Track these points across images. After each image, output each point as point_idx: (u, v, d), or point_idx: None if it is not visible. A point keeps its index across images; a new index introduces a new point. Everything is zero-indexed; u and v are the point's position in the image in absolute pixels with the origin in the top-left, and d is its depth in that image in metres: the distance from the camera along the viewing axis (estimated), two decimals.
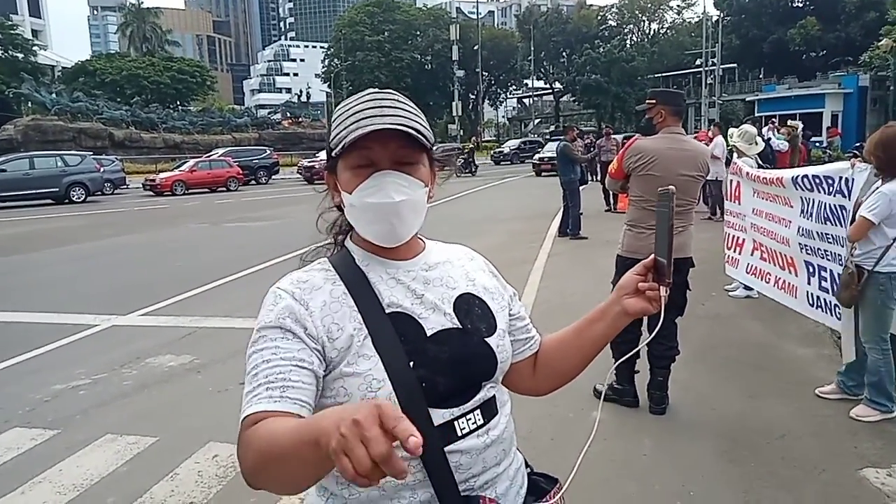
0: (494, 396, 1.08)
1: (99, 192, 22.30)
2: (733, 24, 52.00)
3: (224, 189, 25.08)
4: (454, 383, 1.01)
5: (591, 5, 68.21)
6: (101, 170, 22.56)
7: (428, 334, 1.02)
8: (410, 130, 0.98)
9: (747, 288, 6.01)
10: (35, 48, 44.93)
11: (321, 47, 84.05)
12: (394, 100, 1.02)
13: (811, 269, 4.10)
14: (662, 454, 3.30)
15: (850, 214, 3.59)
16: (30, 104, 35.58)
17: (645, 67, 56.39)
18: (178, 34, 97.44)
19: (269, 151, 31.30)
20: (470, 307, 1.09)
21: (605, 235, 10.22)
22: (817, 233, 3.95)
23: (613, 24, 64.68)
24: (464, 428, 1.01)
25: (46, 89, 37.48)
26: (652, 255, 1.07)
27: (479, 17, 61.84)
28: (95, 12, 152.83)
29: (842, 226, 3.68)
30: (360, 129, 0.96)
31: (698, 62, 48.26)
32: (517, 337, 1.17)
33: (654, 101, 3.71)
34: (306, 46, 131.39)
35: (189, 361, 5.00)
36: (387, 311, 1.01)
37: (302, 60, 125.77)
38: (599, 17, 64.46)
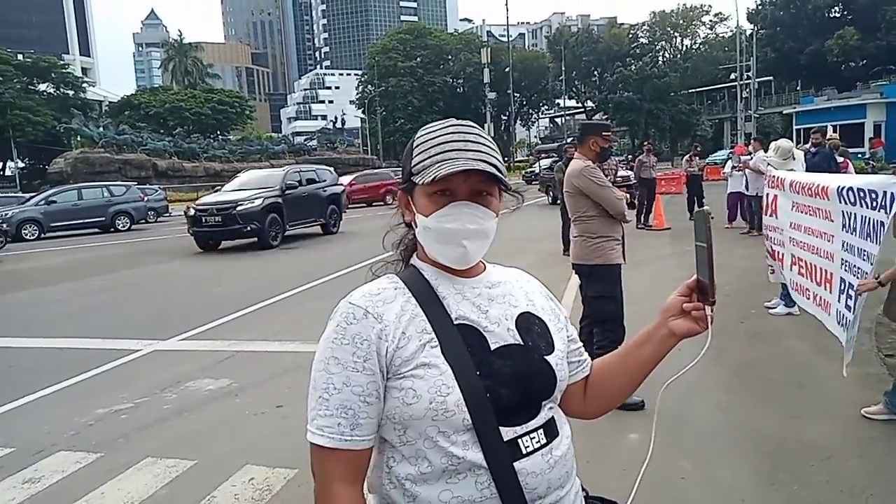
0: (554, 417, 1.11)
1: (143, 221, 23.02)
2: (768, 36, 51.34)
3: None
4: (516, 398, 1.04)
5: (623, 24, 68.27)
6: (145, 199, 23.33)
7: (492, 348, 1.06)
8: (492, 169, 1.04)
9: (788, 305, 5.87)
10: (84, 85, 46.94)
11: (355, 74, 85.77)
12: (476, 135, 1.08)
13: (843, 286, 3.98)
14: (701, 477, 3.22)
15: (883, 229, 3.48)
16: (79, 138, 37.14)
17: (678, 83, 55.99)
18: (218, 67, 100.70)
19: None
20: (530, 325, 1.12)
21: (637, 255, 10.10)
22: (857, 248, 3.84)
23: (645, 41, 64.56)
24: (528, 446, 1.04)
25: (94, 123, 39.08)
26: (695, 276, 1.09)
27: (510, 39, 62.31)
28: (140, 49, 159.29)
29: (876, 243, 3.57)
30: (446, 165, 1.03)
31: (733, 76, 47.65)
32: (570, 359, 1.19)
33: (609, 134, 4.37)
34: (341, 74, 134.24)
35: (227, 385, 5.09)
36: (455, 323, 1.06)
37: (337, 88, 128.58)
38: (631, 35, 64.45)
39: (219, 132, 53.40)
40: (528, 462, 1.02)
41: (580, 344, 1.23)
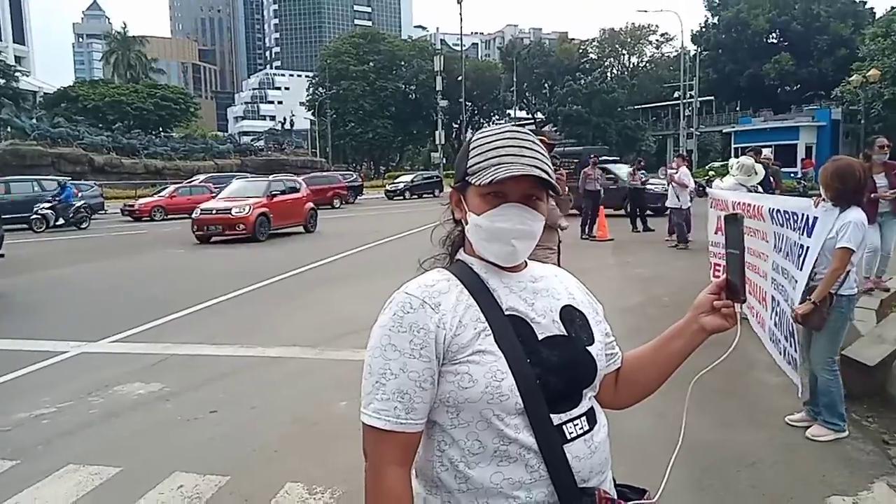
0: (594, 407, 1.18)
1: None
2: (710, 58, 53.41)
3: None
4: (563, 386, 1.11)
5: (573, 39, 69.77)
6: (80, 195, 22.34)
7: (540, 338, 1.12)
8: (545, 176, 1.11)
9: None
10: (17, 74, 44.69)
11: (306, 76, 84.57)
12: (531, 142, 1.14)
13: (774, 304, 4.17)
14: (634, 483, 3.28)
15: (808, 254, 3.64)
16: (9, 129, 35.30)
17: (625, 99, 57.50)
18: (164, 62, 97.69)
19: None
20: (573, 318, 1.19)
21: (581, 264, 10.29)
22: (782, 269, 4.02)
23: (594, 57, 66.15)
24: (572, 432, 1.10)
25: (27, 114, 37.28)
26: (725, 276, 1.17)
27: (463, 48, 62.78)
28: (81, 39, 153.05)
29: (795, 264, 3.74)
30: (503, 169, 1.09)
31: (676, 95, 49.29)
32: (605, 352, 1.24)
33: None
34: (291, 75, 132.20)
35: (158, 389, 4.91)
36: (506, 314, 1.12)
37: (287, 89, 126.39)
38: (581, 51, 65.91)
39: (161, 129, 51.67)
40: (574, 447, 1.09)
41: (614, 337, 1.30)
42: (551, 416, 1.08)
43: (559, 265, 4.62)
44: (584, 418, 1.13)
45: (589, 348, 1.17)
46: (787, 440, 3.76)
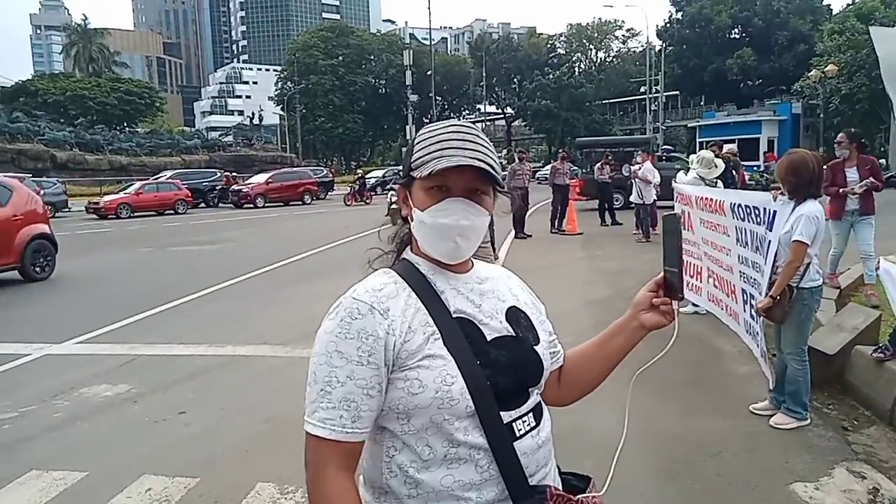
0: (540, 402, 1.19)
1: None
2: (675, 53, 54.22)
3: (172, 212, 24.50)
4: (511, 386, 1.12)
5: (541, 34, 70.08)
6: (42, 192, 21.66)
7: (488, 339, 1.13)
8: (488, 167, 1.10)
9: (695, 304, 6.08)
10: None
11: (274, 70, 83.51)
12: (475, 135, 1.13)
13: (745, 297, 4.26)
14: (601, 474, 3.33)
15: (769, 248, 3.74)
16: None
17: (593, 94, 58.06)
18: (127, 55, 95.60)
19: (219, 174, 30.81)
20: (518, 318, 1.19)
21: (551, 258, 10.39)
22: (750, 261, 4.11)
23: (562, 51, 66.53)
24: (521, 429, 1.11)
25: None
26: (663, 273, 1.19)
27: (433, 43, 62.66)
28: (38, 31, 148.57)
29: (763, 257, 3.83)
30: (444, 160, 1.08)
31: (643, 89, 49.95)
32: (549, 350, 1.25)
33: None
34: (259, 69, 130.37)
35: (126, 391, 4.82)
36: (454, 316, 1.12)
37: (255, 83, 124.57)
38: (549, 45, 66.24)
39: (126, 124, 50.52)
40: (523, 443, 1.10)
41: (555, 336, 1.30)
42: (501, 414, 1.09)
43: (494, 253, 4.64)
44: (531, 414, 1.14)
45: (536, 348, 1.18)
46: (752, 428, 3.85)
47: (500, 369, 1.10)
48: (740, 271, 4.32)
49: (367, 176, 32.34)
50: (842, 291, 6.39)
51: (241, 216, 22.53)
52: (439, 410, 1.05)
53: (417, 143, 1.15)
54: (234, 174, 32.38)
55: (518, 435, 1.10)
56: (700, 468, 3.38)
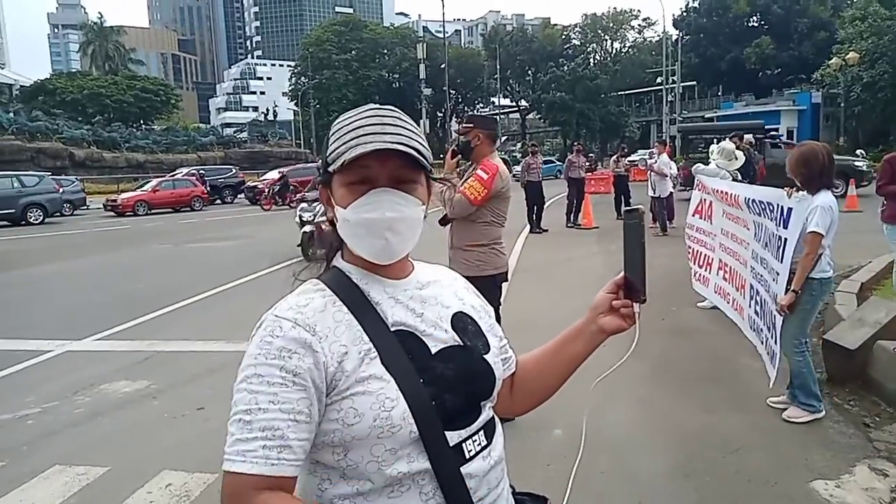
0: (492, 418, 1.08)
1: (58, 213, 21.81)
2: (692, 42, 53.56)
3: (188, 209, 24.73)
4: (460, 402, 1.00)
5: (556, 25, 69.63)
6: (61, 190, 22.05)
7: (433, 352, 1.01)
8: (411, 151, 0.97)
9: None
10: None
11: (288, 66, 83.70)
12: (394, 117, 1.01)
13: (753, 292, 4.20)
14: (620, 471, 3.32)
15: (787, 246, 3.67)
16: None
17: (608, 85, 57.57)
18: (143, 53, 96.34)
19: (234, 170, 31.05)
20: (465, 325, 1.08)
21: (567, 252, 10.34)
22: (762, 258, 4.05)
23: (577, 42, 66.06)
24: (471, 450, 1.00)
25: (3, 108, 36.63)
26: (622, 274, 1.09)
27: (446, 35, 62.43)
28: (56, 30, 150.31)
29: (775, 256, 3.77)
30: (360, 147, 0.95)
31: (659, 80, 49.39)
32: (500, 356, 1.15)
33: (471, 126, 3.90)
34: (273, 65, 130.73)
35: (145, 387, 4.88)
36: (392, 330, 0.99)
37: (269, 79, 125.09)
38: (563, 37, 65.77)
39: (142, 121, 51.07)
40: (472, 466, 0.99)
41: (506, 341, 1.20)
42: (449, 434, 0.97)
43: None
44: (482, 433, 1.03)
45: (486, 357, 1.06)
46: (771, 424, 3.81)
47: (448, 386, 0.99)
48: (752, 267, 4.27)
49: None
50: (863, 285, 6.29)
51: (256, 212, 22.67)
52: (379, 440, 0.93)
53: (332, 134, 1.02)
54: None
55: (468, 457, 0.99)
56: (719, 465, 3.35)
